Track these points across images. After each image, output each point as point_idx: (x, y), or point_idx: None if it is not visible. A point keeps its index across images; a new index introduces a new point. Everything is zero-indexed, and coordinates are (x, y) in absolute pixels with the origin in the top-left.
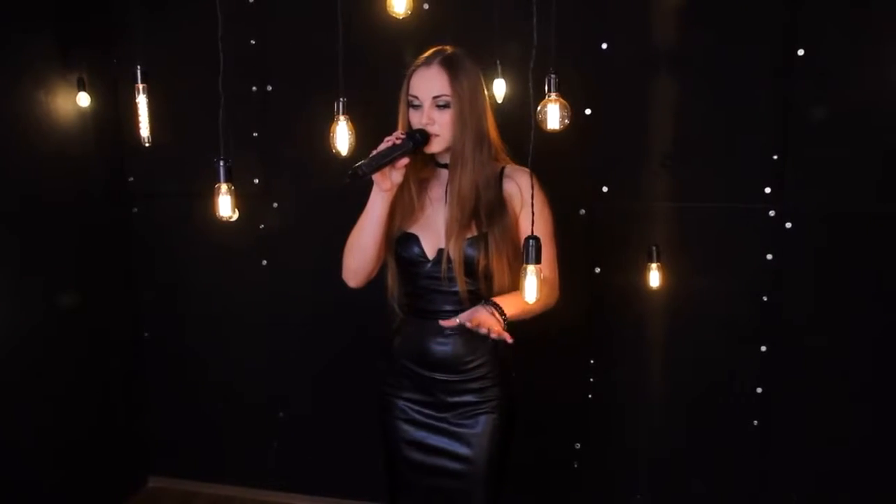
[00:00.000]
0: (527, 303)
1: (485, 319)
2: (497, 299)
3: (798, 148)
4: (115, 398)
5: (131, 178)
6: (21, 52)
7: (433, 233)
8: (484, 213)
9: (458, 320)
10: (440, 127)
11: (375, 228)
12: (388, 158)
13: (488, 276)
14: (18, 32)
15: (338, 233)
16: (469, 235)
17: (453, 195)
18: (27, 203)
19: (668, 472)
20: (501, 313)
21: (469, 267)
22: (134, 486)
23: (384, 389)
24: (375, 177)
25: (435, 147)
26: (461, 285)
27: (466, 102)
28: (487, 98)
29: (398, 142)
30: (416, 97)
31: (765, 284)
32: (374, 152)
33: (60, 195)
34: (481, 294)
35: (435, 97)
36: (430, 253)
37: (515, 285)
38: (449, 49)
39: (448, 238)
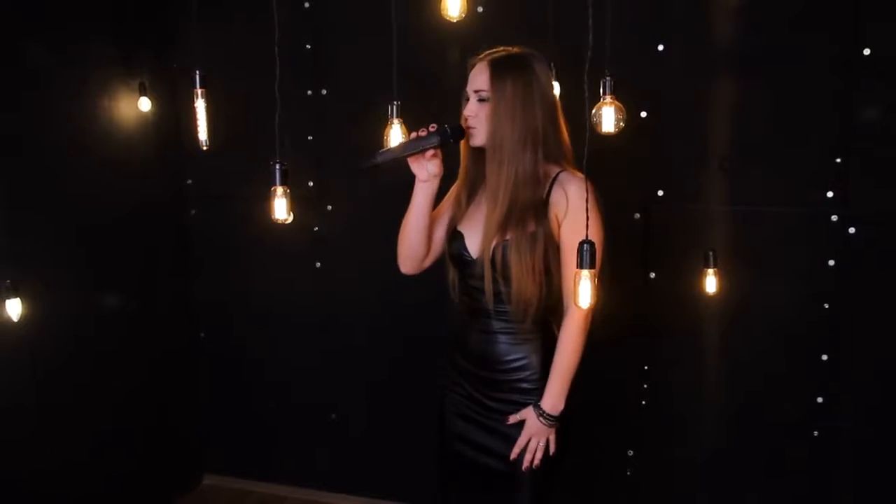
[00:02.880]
0: (569, 363)
1: (531, 448)
2: (546, 393)
3: (862, 151)
4: (172, 397)
5: (190, 181)
6: (86, 59)
7: (478, 232)
8: (517, 215)
9: (510, 420)
10: (479, 122)
11: (418, 218)
12: (407, 150)
13: (507, 281)
14: (83, 40)
15: (391, 235)
16: (501, 240)
17: (489, 192)
18: (90, 205)
19: (723, 481)
20: (550, 417)
21: (493, 269)
22: (189, 483)
23: (441, 381)
24: (413, 168)
25: (475, 140)
26: (487, 284)
27: (507, 101)
28: (549, 100)
29: (423, 134)
30: (467, 91)
31: (826, 291)
32: (398, 143)
33: (122, 198)
34: (503, 297)
35: (476, 91)
36: (473, 252)
37: (535, 295)
38: (514, 49)
39: (484, 237)
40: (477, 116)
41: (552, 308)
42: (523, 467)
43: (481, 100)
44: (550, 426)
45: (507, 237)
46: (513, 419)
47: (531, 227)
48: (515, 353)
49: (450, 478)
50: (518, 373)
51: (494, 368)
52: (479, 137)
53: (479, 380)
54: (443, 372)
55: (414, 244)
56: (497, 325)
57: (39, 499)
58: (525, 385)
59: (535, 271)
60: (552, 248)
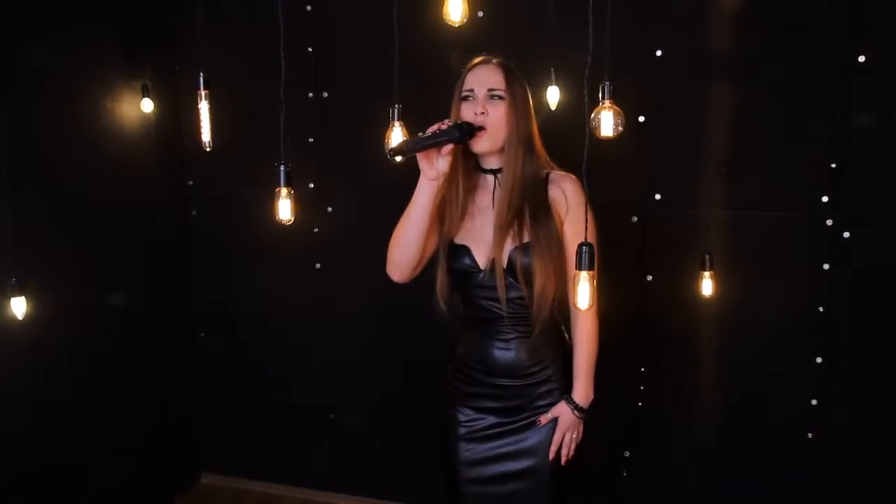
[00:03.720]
0: (591, 356)
1: (567, 442)
2: (576, 387)
3: (857, 156)
4: (173, 397)
5: (191, 182)
6: (89, 60)
7: (483, 243)
8: (529, 218)
9: (543, 421)
10: (491, 121)
11: (420, 221)
12: (432, 141)
13: (529, 283)
14: (85, 41)
15: (391, 237)
16: (516, 244)
17: (503, 198)
18: (92, 205)
19: (718, 482)
20: (582, 410)
21: (512, 273)
22: (188, 482)
23: (449, 399)
24: (422, 164)
25: (482, 145)
26: (501, 292)
27: (519, 103)
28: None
29: (444, 127)
30: (470, 90)
31: (821, 295)
32: (419, 135)
33: (124, 198)
34: (526, 302)
35: (490, 89)
36: (482, 263)
37: (553, 293)
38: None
39: (495, 245)
40: (490, 116)
41: (561, 304)
42: (563, 462)
43: (496, 97)
44: (581, 418)
45: (526, 239)
46: (545, 420)
47: (547, 225)
48: (536, 357)
49: (463, 497)
50: (538, 375)
51: (515, 376)
52: (487, 141)
53: (499, 389)
54: (448, 388)
55: (412, 248)
56: (513, 331)
57: (39, 497)
58: (545, 388)
59: (555, 270)
60: (561, 246)
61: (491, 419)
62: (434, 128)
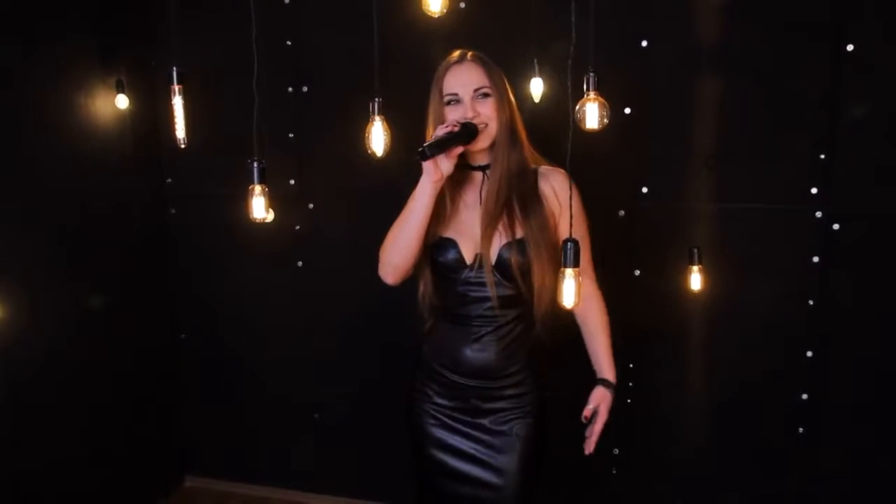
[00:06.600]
0: (609, 339)
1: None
2: (607, 369)
3: (846, 148)
4: (153, 399)
5: (169, 180)
6: (62, 56)
7: (470, 238)
8: (520, 212)
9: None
10: (486, 118)
11: (420, 222)
12: (449, 143)
13: (526, 278)
14: (60, 37)
15: (373, 234)
16: (507, 240)
17: (491, 191)
18: (67, 204)
19: (708, 478)
20: (613, 386)
21: (503, 270)
22: (171, 485)
23: (413, 395)
24: (427, 165)
25: (483, 142)
26: (491, 289)
27: (502, 94)
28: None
29: (456, 128)
30: (454, 94)
31: (811, 287)
32: (435, 137)
33: (99, 197)
34: (522, 296)
35: (476, 89)
36: (468, 258)
37: (552, 286)
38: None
39: (484, 240)
40: (482, 115)
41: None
42: (594, 444)
43: (483, 95)
44: (612, 394)
45: (519, 234)
46: (588, 412)
47: (540, 218)
48: (509, 358)
49: (431, 488)
50: (510, 378)
51: (488, 378)
52: (487, 137)
53: (467, 389)
54: (412, 384)
55: (411, 249)
56: (490, 330)
57: (19, 501)
58: (515, 391)
59: (553, 263)
60: (555, 240)
61: (457, 416)
62: (446, 129)
